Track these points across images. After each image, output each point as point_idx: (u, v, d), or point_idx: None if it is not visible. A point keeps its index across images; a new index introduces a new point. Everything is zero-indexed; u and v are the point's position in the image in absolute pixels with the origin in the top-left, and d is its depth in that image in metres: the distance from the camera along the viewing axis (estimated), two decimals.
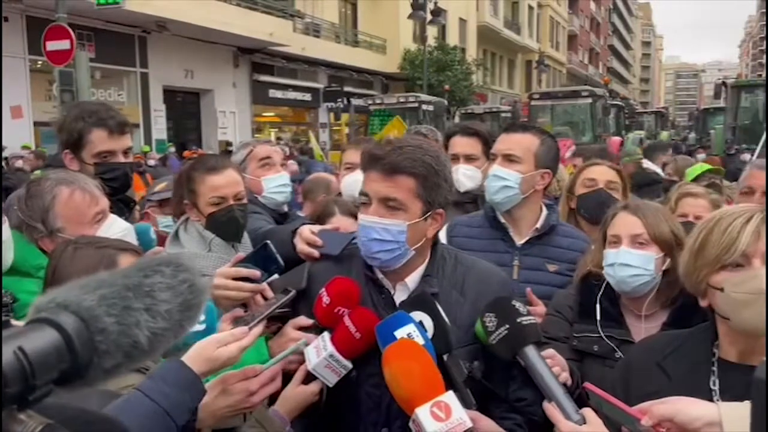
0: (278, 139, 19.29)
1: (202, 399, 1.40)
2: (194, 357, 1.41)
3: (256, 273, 1.98)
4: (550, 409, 1.51)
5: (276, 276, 2.04)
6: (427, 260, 1.87)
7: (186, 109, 22.80)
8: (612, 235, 2.13)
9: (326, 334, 1.73)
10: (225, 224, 2.32)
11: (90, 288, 0.60)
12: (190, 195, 2.32)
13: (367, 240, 1.76)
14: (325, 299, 1.74)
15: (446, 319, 1.68)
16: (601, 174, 3.13)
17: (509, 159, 2.55)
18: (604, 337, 2.09)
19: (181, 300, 0.64)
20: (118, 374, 0.59)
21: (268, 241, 2.05)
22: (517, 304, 1.64)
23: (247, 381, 1.53)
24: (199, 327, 1.56)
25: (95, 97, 15.21)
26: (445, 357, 1.63)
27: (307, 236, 2.03)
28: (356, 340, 1.67)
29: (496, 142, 2.71)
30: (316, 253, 2.00)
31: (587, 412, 1.49)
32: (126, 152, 2.76)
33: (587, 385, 1.53)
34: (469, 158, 3.34)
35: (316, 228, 2.09)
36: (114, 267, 1.61)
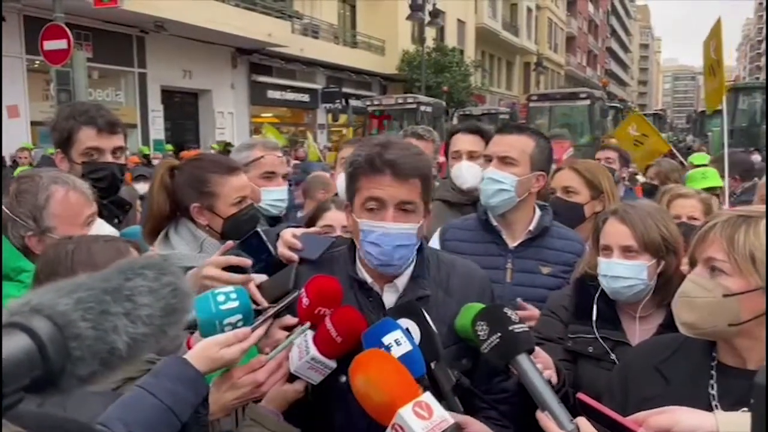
0: (285, 148, 19.08)
1: (204, 396, 1.41)
2: (197, 356, 1.42)
3: (247, 261, 1.94)
4: (543, 418, 1.49)
5: (264, 276, 2.01)
6: (414, 260, 1.86)
7: (184, 110, 22.79)
8: (603, 245, 2.12)
9: (309, 334, 1.70)
10: (245, 223, 2.30)
11: (66, 291, 0.58)
12: (204, 197, 2.26)
13: (391, 248, 1.71)
14: (305, 300, 1.71)
15: (433, 326, 1.66)
16: (557, 181, 3.10)
17: (505, 161, 2.52)
18: (599, 339, 2.08)
19: (163, 304, 0.62)
20: (95, 382, 0.57)
21: (259, 230, 2.03)
22: (509, 312, 1.62)
23: (253, 373, 1.53)
24: (232, 304, 1.55)
25: (92, 98, 15.21)
26: (432, 365, 1.61)
27: (287, 240, 2.02)
28: (338, 343, 1.65)
29: (490, 144, 2.67)
30: (295, 256, 1.98)
31: (581, 421, 1.46)
32: (116, 152, 2.72)
33: (580, 395, 1.50)
34: (472, 155, 3.37)
35: (299, 231, 2.07)
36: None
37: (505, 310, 1.62)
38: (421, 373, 1.56)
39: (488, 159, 2.61)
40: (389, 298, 1.82)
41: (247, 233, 2.33)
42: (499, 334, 1.57)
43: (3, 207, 2.08)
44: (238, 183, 2.31)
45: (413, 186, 1.72)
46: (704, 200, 3.24)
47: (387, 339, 1.57)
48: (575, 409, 1.53)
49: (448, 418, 1.42)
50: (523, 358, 1.55)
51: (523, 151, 2.52)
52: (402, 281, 1.83)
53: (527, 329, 1.62)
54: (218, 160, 2.48)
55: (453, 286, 1.86)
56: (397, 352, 1.56)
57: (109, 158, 2.69)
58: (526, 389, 1.54)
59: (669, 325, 2.01)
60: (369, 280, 1.83)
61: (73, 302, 0.57)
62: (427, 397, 1.44)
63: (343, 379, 1.71)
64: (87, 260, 1.61)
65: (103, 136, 2.66)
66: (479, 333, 1.60)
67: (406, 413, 1.40)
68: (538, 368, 1.58)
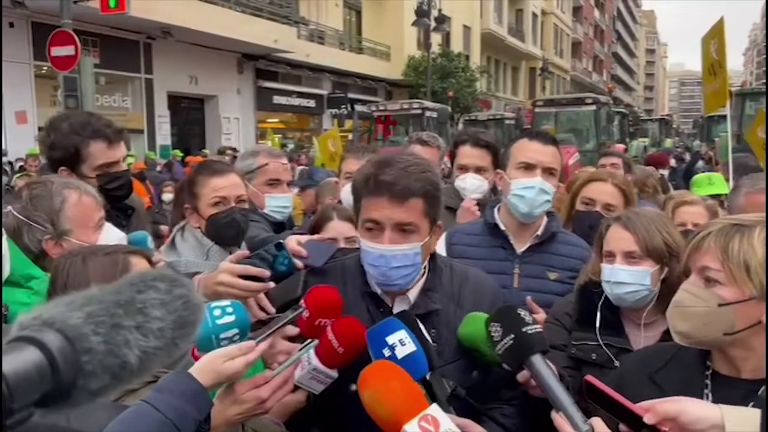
0: (283, 145, 19.27)
1: (208, 411, 1.40)
2: (202, 369, 1.40)
3: (265, 272, 1.91)
4: (558, 419, 1.48)
5: (271, 285, 2.01)
6: (426, 272, 1.86)
7: (190, 115, 22.85)
8: (606, 251, 2.12)
9: (311, 345, 1.69)
10: (225, 226, 2.28)
11: (78, 305, 0.58)
12: (191, 198, 2.29)
13: (388, 269, 1.71)
14: (305, 312, 1.71)
15: (429, 338, 1.66)
16: (600, 194, 2.96)
17: (550, 173, 2.51)
18: (602, 346, 2.08)
19: (175, 317, 0.62)
20: (105, 395, 0.57)
21: (282, 241, 2.02)
22: (522, 313, 1.61)
23: (257, 389, 1.52)
24: (228, 318, 1.54)
25: (99, 104, 15.24)
26: (427, 376, 1.60)
27: (292, 247, 2.01)
28: (339, 354, 1.65)
29: (528, 149, 2.56)
30: (300, 264, 1.98)
31: (596, 421, 1.46)
32: (124, 160, 2.72)
33: (589, 377, 1.50)
34: (479, 170, 3.33)
35: (304, 239, 2.07)
36: (129, 271, 1.61)
37: (519, 311, 1.62)
38: (423, 374, 1.56)
39: (528, 167, 2.52)
40: (399, 309, 1.81)
41: (231, 238, 2.31)
42: (512, 335, 1.56)
43: (16, 212, 2.08)
44: (219, 184, 2.30)
45: (412, 206, 1.69)
46: (710, 207, 3.22)
47: (391, 339, 1.57)
48: (587, 411, 1.53)
49: (456, 430, 1.41)
50: (537, 359, 1.54)
51: (559, 162, 2.55)
52: (413, 293, 1.83)
53: (540, 330, 1.62)
54: (210, 164, 2.50)
55: (465, 299, 1.86)
56: (400, 352, 1.56)
57: (123, 167, 2.69)
58: (541, 390, 1.54)
59: None
60: (379, 291, 1.83)
61: (85, 316, 0.56)
62: (434, 409, 1.43)
63: (353, 387, 1.72)
64: (82, 274, 1.61)
65: (113, 148, 2.65)
66: (493, 335, 1.60)
67: (411, 429, 1.39)
68: (552, 369, 1.57)
